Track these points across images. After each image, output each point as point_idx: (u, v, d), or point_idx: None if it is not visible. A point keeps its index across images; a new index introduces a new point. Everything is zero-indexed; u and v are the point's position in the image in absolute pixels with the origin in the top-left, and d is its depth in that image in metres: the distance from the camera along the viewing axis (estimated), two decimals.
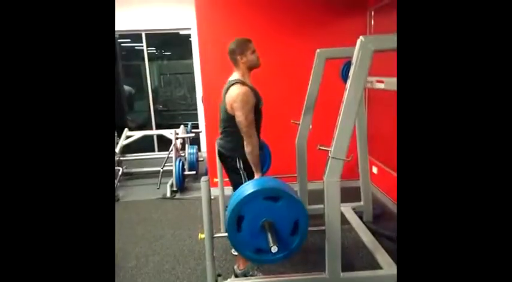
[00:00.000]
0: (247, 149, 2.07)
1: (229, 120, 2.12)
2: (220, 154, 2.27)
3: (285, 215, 1.54)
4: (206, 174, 4.12)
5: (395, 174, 3.32)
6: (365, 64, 1.68)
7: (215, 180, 2.90)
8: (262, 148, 2.63)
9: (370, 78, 2.49)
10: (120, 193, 4.18)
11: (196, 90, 5.49)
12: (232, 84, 2.08)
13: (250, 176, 2.15)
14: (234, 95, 2.03)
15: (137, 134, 4.84)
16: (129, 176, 4.82)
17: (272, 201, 1.53)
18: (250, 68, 2.16)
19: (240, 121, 2.04)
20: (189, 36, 5.32)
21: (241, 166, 2.15)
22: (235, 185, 2.21)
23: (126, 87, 6.78)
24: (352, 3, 3.70)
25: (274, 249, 1.40)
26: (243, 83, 2.08)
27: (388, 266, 2.07)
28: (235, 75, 2.16)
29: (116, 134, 4.46)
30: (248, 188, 1.59)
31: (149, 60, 5.58)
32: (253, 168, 2.11)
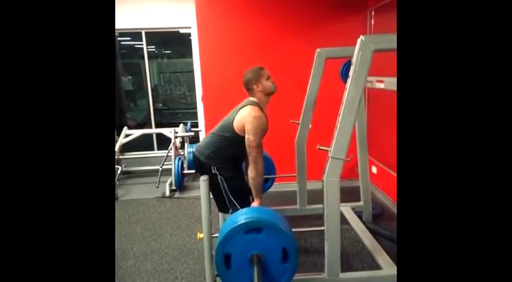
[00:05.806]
0: (251, 174, 2.04)
1: (228, 133, 2.09)
2: (195, 159, 2.20)
3: (271, 245, 1.52)
4: None
5: (394, 174, 3.31)
6: (365, 64, 1.68)
7: None
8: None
9: (370, 78, 2.49)
10: (119, 192, 4.18)
11: (196, 89, 5.48)
12: (251, 105, 2.07)
13: (229, 181, 2.11)
14: (250, 116, 2.01)
15: (136, 133, 4.83)
16: (128, 174, 4.82)
17: (255, 234, 1.52)
18: (268, 94, 2.14)
19: (249, 145, 2.02)
20: (189, 34, 5.31)
21: (217, 172, 2.10)
22: (217, 196, 2.17)
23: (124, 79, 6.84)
24: (352, 2, 3.69)
25: None
26: (261, 108, 2.09)
27: (388, 267, 2.06)
28: (253, 99, 2.14)
29: (115, 133, 4.45)
30: (229, 224, 1.57)
31: (149, 58, 5.57)
32: (253, 194, 2.08)
